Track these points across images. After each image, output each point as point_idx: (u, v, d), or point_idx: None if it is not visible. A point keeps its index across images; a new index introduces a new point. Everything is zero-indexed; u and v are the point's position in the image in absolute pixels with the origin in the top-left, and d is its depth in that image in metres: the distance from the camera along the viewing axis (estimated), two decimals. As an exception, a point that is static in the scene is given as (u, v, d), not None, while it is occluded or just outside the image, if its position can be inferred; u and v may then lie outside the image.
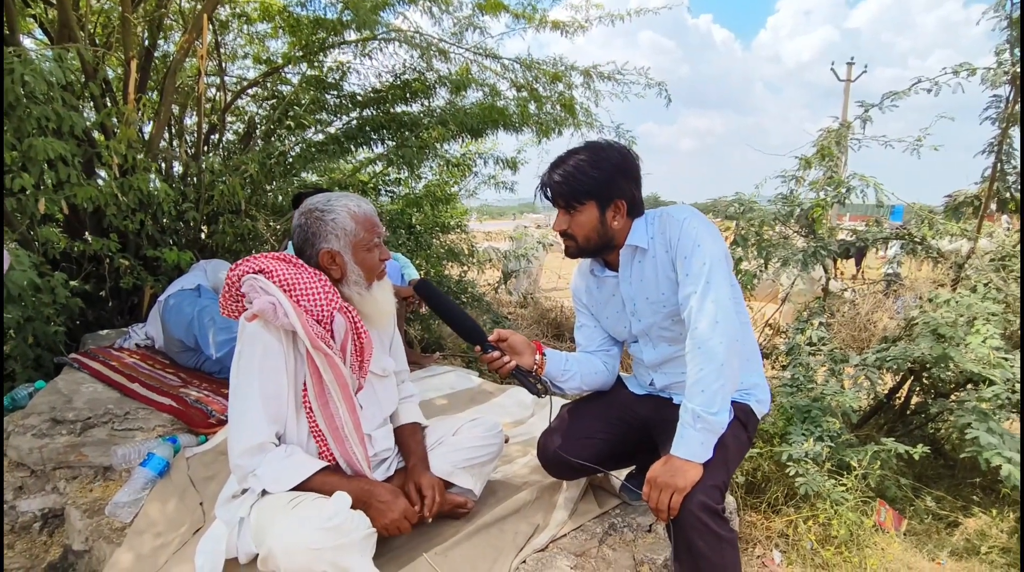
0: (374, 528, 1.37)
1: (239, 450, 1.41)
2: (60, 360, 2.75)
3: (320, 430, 1.45)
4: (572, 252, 1.56)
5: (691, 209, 1.48)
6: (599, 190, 1.47)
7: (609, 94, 4.98)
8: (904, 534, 2.41)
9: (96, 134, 3.49)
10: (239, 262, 1.43)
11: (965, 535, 2.49)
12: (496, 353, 1.55)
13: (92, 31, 3.85)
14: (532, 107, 4.85)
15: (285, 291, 1.37)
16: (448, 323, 1.62)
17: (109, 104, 3.44)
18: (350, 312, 1.47)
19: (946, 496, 2.75)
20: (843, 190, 2.97)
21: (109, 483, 2.08)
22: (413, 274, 3.18)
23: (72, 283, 3.09)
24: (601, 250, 1.55)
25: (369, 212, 1.52)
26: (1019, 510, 2.00)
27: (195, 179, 3.63)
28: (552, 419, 1.77)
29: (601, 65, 4.81)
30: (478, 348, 1.55)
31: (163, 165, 3.96)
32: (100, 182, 3.13)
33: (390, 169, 5.03)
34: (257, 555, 1.44)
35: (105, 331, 3.18)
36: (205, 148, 4.16)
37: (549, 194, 1.52)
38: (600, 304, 1.68)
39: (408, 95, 4.73)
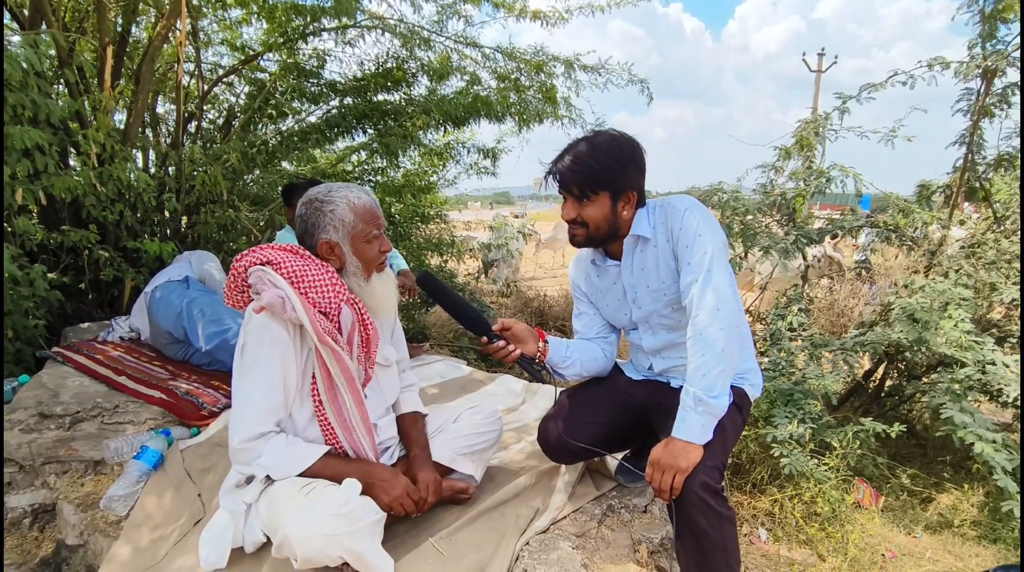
0: (380, 509, 1.39)
1: (240, 438, 1.42)
2: (43, 354, 2.70)
3: (329, 422, 1.46)
4: (580, 241, 1.57)
5: (692, 199, 1.52)
6: (613, 181, 1.48)
7: (589, 84, 5.00)
8: (882, 510, 2.51)
9: (70, 122, 3.40)
10: (245, 253, 1.42)
11: (938, 510, 2.61)
12: (501, 342, 1.57)
13: (62, 16, 3.73)
14: (513, 96, 4.85)
15: (292, 283, 1.37)
16: (453, 315, 1.63)
17: (82, 92, 3.35)
18: (356, 304, 1.48)
19: (919, 473, 2.87)
20: (823, 180, 3.06)
21: (101, 477, 2.06)
22: (401, 264, 3.17)
23: (50, 275, 3.02)
24: (608, 239, 1.57)
25: (369, 203, 1.52)
26: (993, 488, 2.11)
27: (175, 169, 3.56)
28: (552, 405, 1.80)
29: (583, 55, 4.82)
30: (484, 338, 1.57)
31: (140, 155, 3.88)
32: (73, 172, 3.06)
33: (374, 157, 4.98)
34: (264, 543, 1.46)
35: (86, 324, 3.13)
36: (183, 137, 4.07)
37: (561, 182, 1.52)
38: (600, 292, 1.71)
39: (389, 84, 4.69)
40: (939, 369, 2.99)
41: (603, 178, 1.48)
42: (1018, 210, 3.10)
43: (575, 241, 1.58)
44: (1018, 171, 3.09)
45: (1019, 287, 2.81)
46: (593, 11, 4.86)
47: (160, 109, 4.61)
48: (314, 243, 1.48)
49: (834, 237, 3.50)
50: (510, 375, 3.01)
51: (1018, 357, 2.58)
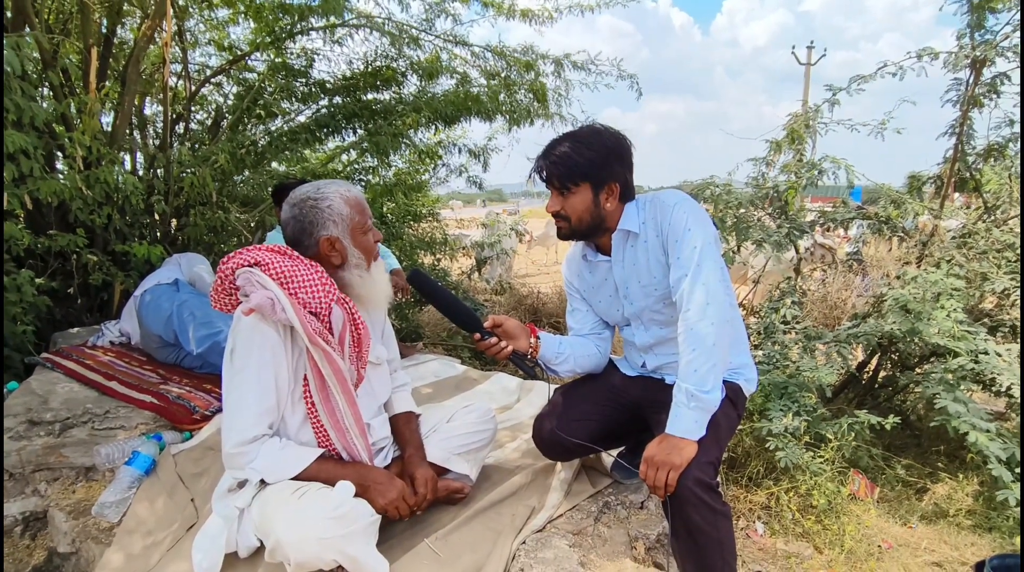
0: (376, 512, 1.38)
1: (234, 442, 1.40)
2: (31, 360, 2.67)
3: (322, 423, 1.45)
4: (564, 233, 1.57)
5: (682, 194, 1.51)
6: (594, 173, 1.48)
7: (579, 84, 5.00)
8: (877, 501, 2.52)
9: (55, 125, 3.36)
10: (232, 254, 1.40)
11: (933, 500, 2.62)
12: (493, 339, 1.56)
13: (45, 18, 3.68)
14: (503, 95, 4.83)
15: (281, 284, 1.35)
16: (444, 312, 1.62)
17: (67, 94, 3.31)
18: (347, 303, 1.47)
19: (914, 464, 2.87)
20: (815, 172, 3.06)
21: (92, 483, 2.04)
22: (394, 263, 3.15)
23: (38, 281, 2.99)
24: (593, 232, 1.57)
25: (359, 195, 1.53)
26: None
27: (163, 171, 3.52)
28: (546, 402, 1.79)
29: (573, 54, 4.82)
30: (476, 335, 1.56)
31: (127, 157, 3.84)
32: (60, 176, 3.03)
33: (364, 157, 4.95)
34: (257, 548, 1.44)
35: (75, 329, 3.10)
36: (171, 139, 4.04)
37: (544, 175, 1.52)
38: (592, 289, 1.71)
39: (379, 83, 4.67)
40: (932, 359, 3.00)
41: (583, 169, 1.48)
42: (1008, 200, 3.11)
43: (560, 233, 1.58)
44: (1008, 161, 3.10)
45: (1011, 277, 2.82)
46: (582, 11, 4.85)
47: (147, 111, 4.58)
48: (315, 241, 1.46)
49: (823, 226, 3.50)
50: (505, 373, 2.99)
51: (1010, 346, 2.59)
